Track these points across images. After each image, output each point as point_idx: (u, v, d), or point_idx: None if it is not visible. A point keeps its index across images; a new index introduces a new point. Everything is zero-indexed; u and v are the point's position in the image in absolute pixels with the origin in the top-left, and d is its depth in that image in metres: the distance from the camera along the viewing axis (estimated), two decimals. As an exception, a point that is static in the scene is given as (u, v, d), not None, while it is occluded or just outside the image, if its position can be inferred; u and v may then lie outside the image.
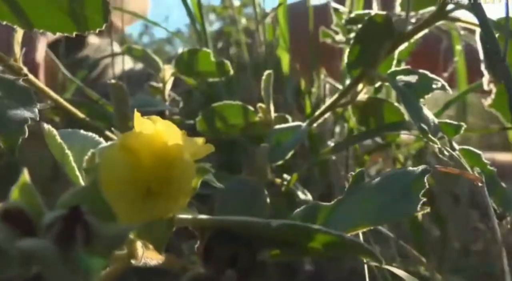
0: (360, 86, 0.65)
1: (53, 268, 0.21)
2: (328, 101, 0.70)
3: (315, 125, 0.71)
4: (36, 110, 0.35)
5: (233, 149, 0.79)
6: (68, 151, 0.34)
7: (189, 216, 0.30)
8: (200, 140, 0.32)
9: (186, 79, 0.89)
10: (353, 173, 0.36)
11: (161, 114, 0.68)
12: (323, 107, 0.70)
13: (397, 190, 0.28)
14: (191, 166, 0.28)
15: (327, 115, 0.72)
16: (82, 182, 0.34)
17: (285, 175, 0.69)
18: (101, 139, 0.41)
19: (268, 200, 0.61)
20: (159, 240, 0.28)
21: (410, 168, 0.29)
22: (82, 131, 0.42)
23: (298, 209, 0.33)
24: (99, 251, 0.23)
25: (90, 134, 0.41)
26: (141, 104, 0.60)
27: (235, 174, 0.79)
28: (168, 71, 0.72)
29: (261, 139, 0.73)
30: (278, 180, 0.68)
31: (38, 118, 0.35)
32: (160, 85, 0.72)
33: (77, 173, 0.34)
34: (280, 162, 0.65)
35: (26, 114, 0.34)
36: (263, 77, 0.68)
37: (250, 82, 1.00)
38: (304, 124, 0.68)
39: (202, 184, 0.33)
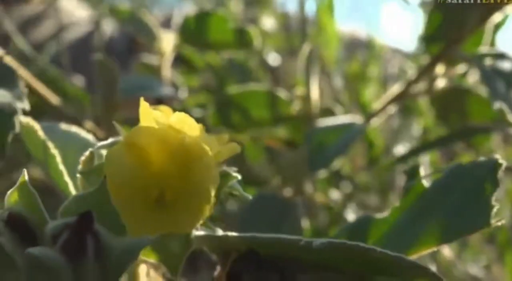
0: (440, 69, 0.70)
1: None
2: (394, 88, 0.75)
3: (375, 121, 0.77)
4: (25, 97, 0.42)
5: (256, 153, 0.86)
6: (54, 151, 0.41)
7: (209, 233, 0.36)
8: (222, 138, 0.39)
9: (190, 55, 0.96)
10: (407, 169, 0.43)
11: (158, 103, 0.74)
12: (386, 97, 0.75)
13: (464, 193, 0.34)
14: (215, 169, 0.34)
15: (392, 107, 0.77)
16: (72, 189, 0.41)
17: (331, 191, 0.75)
18: (89, 136, 0.48)
19: (304, 223, 0.67)
20: (175, 261, 0.35)
21: (481, 159, 0.35)
22: (62, 125, 0.49)
23: (345, 225, 0.40)
24: (110, 267, 0.30)
25: (73, 129, 0.49)
26: (132, 88, 0.67)
27: (257, 187, 0.85)
28: (168, 41, 0.78)
29: (298, 139, 0.79)
30: (320, 196, 0.74)
31: (28, 108, 0.42)
32: (155, 61, 0.79)
33: (66, 178, 0.41)
34: (323, 173, 0.71)
35: (16, 103, 0.41)
36: (302, 50, 0.74)
37: (282, 59, 1.07)
38: (359, 121, 0.73)
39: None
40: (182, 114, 0.36)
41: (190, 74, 1.06)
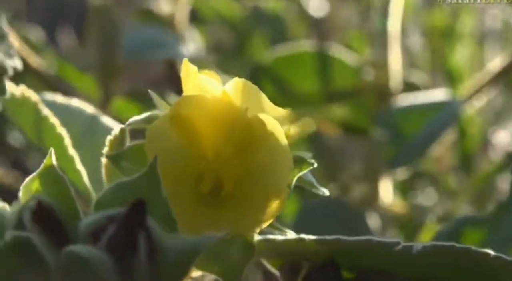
0: None
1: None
2: (496, 62, 0.80)
3: (474, 102, 0.82)
4: (16, 54, 0.47)
5: (309, 139, 0.89)
6: (61, 131, 0.48)
7: (278, 237, 0.42)
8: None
9: (203, 8, 1.00)
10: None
11: (172, 67, 0.78)
12: (489, 70, 0.80)
13: None
14: (288, 152, 0.40)
15: (494, 86, 0.81)
16: (86, 180, 0.47)
17: (412, 194, 0.79)
18: (96, 112, 0.54)
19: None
20: (233, 271, 0.41)
21: None
22: (61, 98, 0.55)
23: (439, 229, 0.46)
24: (165, 272, 0.36)
25: (75, 102, 0.55)
26: (141, 45, 0.71)
27: (303, 192, 0.88)
28: None
29: (363, 123, 0.83)
30: (399, 203, 0.78)
31: (21, 68, 0.47)
32: (166, 8, 0.82)
33: (79, 165, 0.47)
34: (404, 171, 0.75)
35: (5, 61, 0.46)
36: None
37: (329, 7, 1.10)
38: (454, 100, 0.79)
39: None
40: (242, 80, 0.41)
41: (197, 27, 1.09)
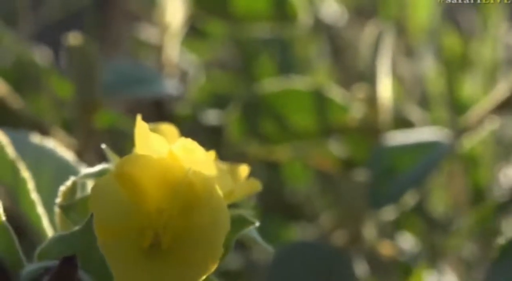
0: None
1: None
2: (499, 89, 0.84)
3: (470, 137, 0.88)
4: None
5: (300, 175, 0.94)
6: (25, 174, 0.54)
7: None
8: (242, 170, 0.51)
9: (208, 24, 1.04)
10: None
11: (158, 106, 0.83)
12: (487, 102, 0.85)
13: None
14: (225, 214, 0.46)
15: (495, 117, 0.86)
16: (47, 225, 0.54)
17: (401, 235, 0.83)
18: (67, 154, 0.61)
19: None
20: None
21: None
22: (33, 137, 0.62)
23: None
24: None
25: (48, 143, 0.61)
26: (121, 82, 0.77)
27: (300, 225, 0.92)
28: (177, 8, 0.87)
29: (361, 159, 0.89)
30: (387, 246, 0.82)
31: None
32: (154, 38, 0.89)
33: (39, 210, 0.54)
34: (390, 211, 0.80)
35: None
36: (373, 24, 0.81)
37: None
38: (447, 136, 0.83)
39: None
40: (188, 140, 0.47)
41: (201, 42, 1.14)
